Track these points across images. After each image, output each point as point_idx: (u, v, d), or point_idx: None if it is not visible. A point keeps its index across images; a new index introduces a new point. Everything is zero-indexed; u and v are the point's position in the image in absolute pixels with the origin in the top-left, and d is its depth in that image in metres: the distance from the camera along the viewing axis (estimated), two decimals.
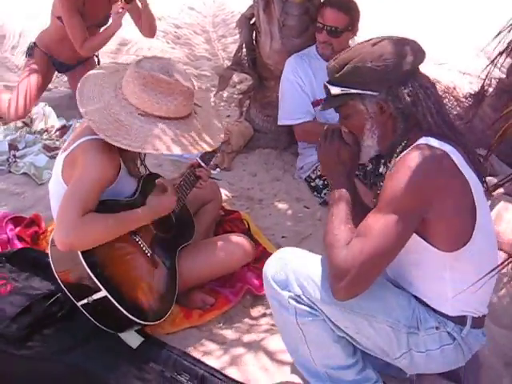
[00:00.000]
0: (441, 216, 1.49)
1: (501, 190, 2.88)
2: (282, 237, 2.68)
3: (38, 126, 3.35)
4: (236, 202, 2.90)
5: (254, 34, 3.33)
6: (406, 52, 1.56)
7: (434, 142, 1.51)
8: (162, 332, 2.03)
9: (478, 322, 1.65)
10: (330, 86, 1.64)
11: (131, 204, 1.95)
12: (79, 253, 1.75)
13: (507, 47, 2.81)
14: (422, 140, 1.52)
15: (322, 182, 2.97)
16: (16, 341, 1.80)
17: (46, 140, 3.21)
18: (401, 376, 1.85)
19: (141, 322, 1.85)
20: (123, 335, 1.92)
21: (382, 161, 1.74)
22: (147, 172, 2.17)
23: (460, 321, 1.61)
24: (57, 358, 1.82)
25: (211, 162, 2.30)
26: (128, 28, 3.68)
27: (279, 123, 3.13)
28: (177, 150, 1.82)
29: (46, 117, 3.41)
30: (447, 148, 1.50)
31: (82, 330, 1.91)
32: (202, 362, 1.88)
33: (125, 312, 1.80)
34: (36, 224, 2.50)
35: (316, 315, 1.62)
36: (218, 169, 2.36)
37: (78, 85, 1.89)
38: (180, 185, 2.18)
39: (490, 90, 3.50)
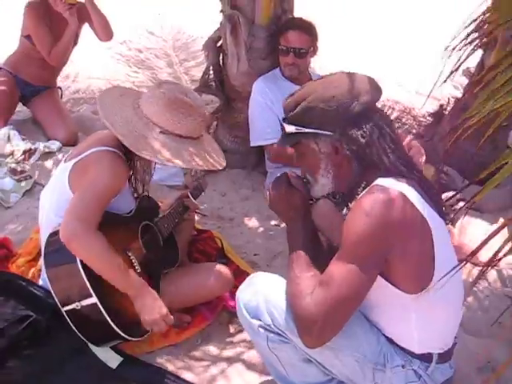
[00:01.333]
0: (401, 257, 1.46)
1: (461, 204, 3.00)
2: (254, 254, 2.71)
3: (4, 149, 3.29)
4: (207, 222, 2.91)
5: (220, 57, 3.39)
6: (359, 92, 1.55)
7: (389, 182, 1.49)
8: (140, 351, 2.02)
9: (444, 357, 1.64)
10: (284, 124, 1.65)
11: (127, 220, 2.02)
12: (77, 258, 1.77)
13: (458, 66, 2.94)
14: (378, 182, 1.50)
15: None
16: None
17: (12, 163, 3.16)
18: None
19: (123, 335, 1.84)
20: (102, 354, 1.91)
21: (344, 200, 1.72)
22: (146, 194, 2.22)
23: (426, 358, 1.60)
24: (33, 381, 1.78)
25: (197, 198, 2.44)
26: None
27: (252, 144, 3.16)
28: (190, 166, 1.96)
29: (11, 140, 3.35)
30: (403, 187, 1.48)
31: (57, 352, 1.89)
32: (183, 379, 1.88)
33: (110, 322, 1.80)
34: (5, 247, 2.45)
35: (286, 341, 1.63)
36: (205, 204, 2.43)
37: (98, 100, 2.00)
38: (170, 213, 2.26)
39: (449, 108, 3.65)
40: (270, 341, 1.63)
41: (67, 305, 1.83)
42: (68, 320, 1.84)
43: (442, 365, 1.65)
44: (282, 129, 1.67)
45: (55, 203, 1.99)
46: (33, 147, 3.32)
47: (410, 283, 1.50)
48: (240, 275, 2.44)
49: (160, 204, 2.38)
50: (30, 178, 3.07)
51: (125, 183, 1.97)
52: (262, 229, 2.94)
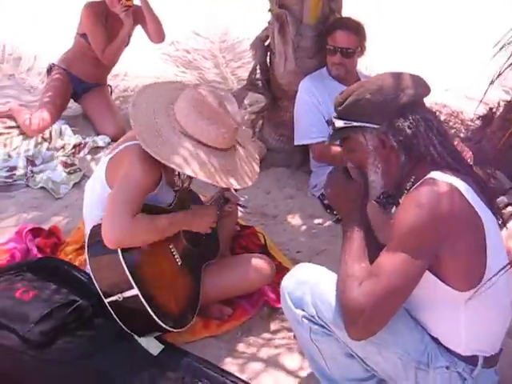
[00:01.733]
0: (452, 252, 1.45)
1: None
2: (297, 252, 2.71)
3: (56, 142, 3.41)
4: (251, 219, 2.92)
5: (267, 56, 3.41)
6: (406, 85, 1.57)
7: (441, 176, 1.48)
8: (181, 340, 2.04)
9: (490, 362, 1.60)
10: (334, 120, 1.66)
11: (169, 211, 2.01)
12: (119, 249, 1.80)
13: (506, 67, 2.87)
14: (430, 175, 1.49)
15: None
16: (39, 345, 1.81)
17: (63, 156, 3.27)
18: None
19: (165, 326, 1.88)
20: (144, 342, 1.94)
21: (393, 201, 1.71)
22: (187, 187, 2.23)
23: (471, 361, 1.57)
24: (78, 361, 1.83)
25: (238, 191, 2.39)
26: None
27: (296, 143, 3.17)
28: (201, 176, 1.84)
29: (63, 134, 3.48)
30: (456, 182, 1.47)
31: (102, 336, 1.93)
32: (223, 370, 1.89)
33: (152, 314, 1.83)
34: (55, 236, 2.53)
35: (329, 334, 1.62)
36: (246, 196, 2.43)
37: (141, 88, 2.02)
38: (211, 204, 2.25)
39: (498, 112, 3.57)
40: (312, 332, 1.63)
41: (110, 296, 1.86)
42: (111, 311, 1.88)
43: (487, 369, 1.61)
44: (332, 125, 1.68)
45: (95, 198, 2.02)
46: (83, 141, 3.43)
47: (461, 280, 1.48)
48: (282, 271, 2.43)
49: (202, 198, 2.41)
50: (80, 170, 3.17)
51: (156, 176, 1.94)
52: (304, 227, 2.93)
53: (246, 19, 6.60)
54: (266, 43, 3.37)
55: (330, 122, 1.70)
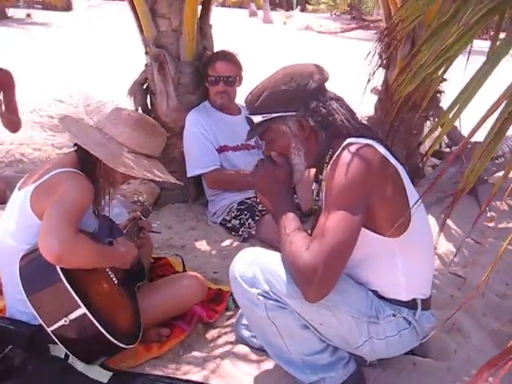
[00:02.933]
0: (380, 200, 1.61)
1: None
2: (214, 272, 2.74)
3: None
4: (160, 252, 2.91)
5: (147, 98, 3.50)
6: (312, 71, 1.76)
7: (356, 139, 1.65)
8: (126, 366, 1.97)
9: (426, 304, 1.80)
10: (252, 117, 1.79)
11: (95, 238, 1.96)
12: (58, 268, 1.72)
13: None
14: (346, 141, 1.65)
15: (237, 221, 3.10)
16: None
17: None
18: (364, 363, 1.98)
19: (116, 342, 1.79)
20: (91, 373, 1.84)
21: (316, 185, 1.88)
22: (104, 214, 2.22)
23: (412, 305, 1.75)
24: None
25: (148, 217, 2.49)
26: None
27: (189, 175, 3.25)
28: (158, 178, 2.02)
29: None
30: (370, 142, 1.65)
31: (43, 377, 1.80)
32: (181, 379, 1.85)
33: (101, 329, 1.75)
34: None
35: (284, 307, 1.70)
36: (157, 222, 2.48)
37: (63, 124, 2.05)
38: (127, 231, 2.29)
39: None
40: (268, 309, 1.69)
41: (54, 324, 1.75)
42: (56, 340, 1.77)
43: (425, 311, 1.79)
44: (250, 122, 1.81)
45: (16, 230, 1.91)
46: None
47: (391, 226, 1.62)
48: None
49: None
50: None
51: (92, 199, 1.94)
52: (214, 251, 2.98)
53: (105, 84, 6.68)
54: (145, 86, 3.46)
55: (248, 120, 1.82)
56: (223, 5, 24.72)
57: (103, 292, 1.90)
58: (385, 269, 1.71)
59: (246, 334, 2.13)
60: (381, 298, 1.74)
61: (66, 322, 1.74)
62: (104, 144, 1.94)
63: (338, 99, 1.76)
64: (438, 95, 3.68)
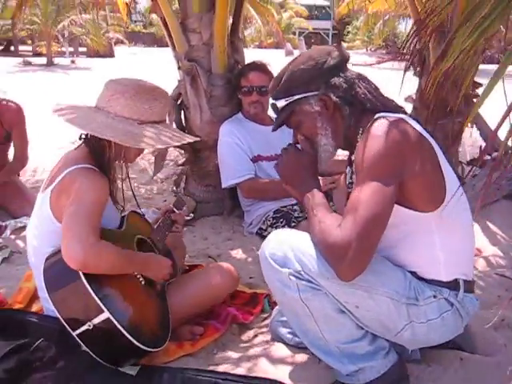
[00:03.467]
0: (413, 174, 1.54)
1: None
2: (250, 277, 2.69)
3: None
4: (195, 260, 2.89)
5: (181, 113, 3.54)
6: (331, 50, 1.74)
7: (386, 114, 1.61)
8: (157, 362, 1.92)
9: (469, 287, 1.70)
10: (275, 102, 1.78)
11: (121, 235, 1.95)
12: (81, 273, 1.68)
13: None
14: (376, 116, 1.62)
15: (274, 229, 3.04)
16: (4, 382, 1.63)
17: None
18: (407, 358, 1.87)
19: (141, 346, 1.73)
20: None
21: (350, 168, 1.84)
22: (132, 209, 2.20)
23: (454, 286, 1.66)
24: None
25: (182, 209, 2.41)
26: None
27: (224, 186, 3.23)
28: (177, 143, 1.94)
29: None
30: (402, 116, 1.62)
31: (72, 369, 1.77)
32: (211, 371, 1.79)
33: (126, 334, 1.69)
34: None
35: (318, 289, 1.63)
36: (191, 214, 2.43)
37: (63, 117, 1.88)
38: (159, 226, 2.23)
39: None
40: (301, 291, 1.62)
41: (78, 328, 1.71)
42: (82, 345, 1.73)
43: (468, 294, 1.68)
44: (275, 109, 1.79)
45: (42, 235, 1.91)
46: (2, 224, 3.26)
47: (426, 201, 1.58)
48: (239, 296, 2.47)
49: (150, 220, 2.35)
50: (6, 247, 2.99)
51: (108, 194, 1.90)
52: (250, 258, 2.93)
53: None
54: (179, 102, 3.51)
55: (273, 107, 1.81)
56: (260, 46, 25.32)
57: (128, 294, 1.83)
58: (422, 247, 1.63)
59: (282, 330, 2.05)
60: (420, 279, 1.65)
61: (90, 326, 1.68)
62: (112, 125, 1.86)
63: (359, 75, 1.73)
64: (474, 100, 3.59)
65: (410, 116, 1.68)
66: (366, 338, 1.69)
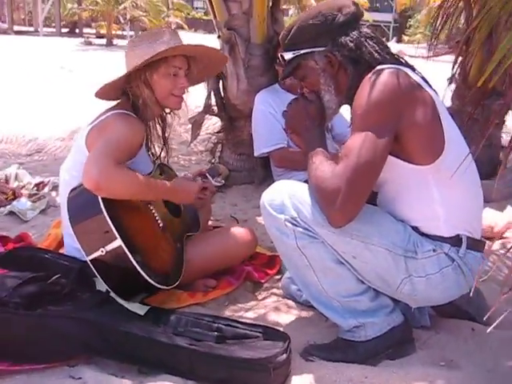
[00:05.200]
0: (412, 124, 1.53)
1: None
2: (271, 242, 2.69)
3: (13, 184, 3.37)
4: (221, 224, 2.93)
5: (219, 81, 3.58)
6: (343, 6, 1.70)
7: (386, 66, 1.60)
8: (168, 307, 1.97)
9: (475, 244, 1.65)
10: (284, 54, 1.79)
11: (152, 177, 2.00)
12: (100, 200, 1.75)
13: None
14: (375, 69, 1.60)
15: None
16: (19, 306, 1.70)
17: (26, 190, 3.22)
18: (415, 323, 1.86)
19: (149, 279, 1.79)
20: (129, 306, 1.85)
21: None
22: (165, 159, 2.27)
23: (455, 242, 1.62)
24: (68, 315, 1.72)
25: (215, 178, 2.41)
26: None
27: (256, 154, 3.25)
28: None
29: (20, 177, 3.44)
30: (402, 68, 1.60)
31: (85, 303, 1.83)
32: (215, 316, 1.82)
33: (135, 264, 1.75)
34: (25, 242, 2.45)
35: (315, 237, 1.62)
36: (222, 181, 2.44)
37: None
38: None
39: None
40: (298, 238, 1.62)
41: (92, 253, 1.78)
42: (94, 270, 1.80)
43: (473, 252, 1.64)
44: (283, 60, 1.80)
45: (72, 166, 1.99)
46: (45, 180, 3.40)
47: (424, 153, 1.56)
48: (259, 257, 2.49)
49: None
50: (44, 197, 3.12)
51: (141, 139, 1.98)
52: None
53: None
54: None
55: (282, 58, 1.81)
56: None
57: (145, 231, 1.90)
58: (420, 201, 1.61)
59: (292, 287, 2.07)
60: (422, 234, 1.63)
61: (102, 252, 1.75)
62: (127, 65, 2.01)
63: (368, 33, 1.69)
64: None
65: (414, 69, 1.67)
66: (368, 294, 1.68)
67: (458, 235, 1.62)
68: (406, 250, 1.59)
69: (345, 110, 1.90)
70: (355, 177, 1.47)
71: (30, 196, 3.13)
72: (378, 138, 1.49)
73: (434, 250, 1.59)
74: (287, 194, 1.65)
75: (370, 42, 1.67)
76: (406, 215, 1.64)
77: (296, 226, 1.62)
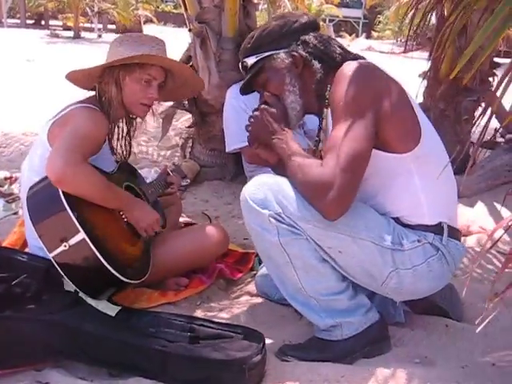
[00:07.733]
0: (389, 112, 1.54)
1: None
2: (245, 239, 2.68)
3: None
4: (193, 221, 2.88)
5: None
6: (305, 13, 1.81)
7: (356, 60, 1.63)
8: (138, 307, 1.93)
9: (454, 233, 1.67)
10: (245, 60, 1.78)
11: (111, 178, 1.94)
12: (62, 195, 1.68)
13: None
14: (346, 63, 1.61)
15: None
16: None
17: None
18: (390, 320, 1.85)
19: (115, 273, 1.72)
20: (99, 305, 1.79)
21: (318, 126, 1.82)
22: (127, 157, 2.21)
23: (438, 230, 1.63)
24: (34, 318, 1.67)
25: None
26: None
27: (228, 150, 3.20)
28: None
29: None
30: (371, 62, 1.64)
31: (54, 305, 1.77)
32: (188, 316, 1.78)
33: (99, 257, 1.68)
34: None
35: (298, 234, 1.58)
36: (187, 180, 2.42)
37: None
38: (153, 182, 2.26)
39: None
40: (280, 235, 1.58)
41: (55, 249, 1.70)
42: (58, 268, 1.72)
43: (453, 240, 1.66)
44: (244, 67, 1.80)
45: (39, 163, 1.89)
46: (14, 175, 3.29)
47: (404, 141, 1.57)
48: (232, 255, 2.46)
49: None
50: (19, 199, 3.01)
51: (105, 134, 1.94)
52: None
53: None
54: (190, 64, 3.49)
55: (242, 66, 1.81)
56: None
57: (108, 225, 1.84)
58: (403, 190, 1.62)
59: (266, 285, 2.04)
60: (405, 226, 1.63)
61: (65, 247, 1.68)
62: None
63: (328, 36, 1.77)
64: (491, 79, 3.50)
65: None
66: (347, 293, 1.66)
67: (440, 223, 1.63)
68: (393, 242, 1.58)
69: None
70: (350, 166, 1.46)
71: (4, 196, 3.01)
72: (362, 125, 1.49)
73: (418, 241, 1.60)
74: (270, 189, 1.60)
75: (332, 41, 1.73)
76: (388, 207, 1.64)
77: (280, 222, 1.57)
